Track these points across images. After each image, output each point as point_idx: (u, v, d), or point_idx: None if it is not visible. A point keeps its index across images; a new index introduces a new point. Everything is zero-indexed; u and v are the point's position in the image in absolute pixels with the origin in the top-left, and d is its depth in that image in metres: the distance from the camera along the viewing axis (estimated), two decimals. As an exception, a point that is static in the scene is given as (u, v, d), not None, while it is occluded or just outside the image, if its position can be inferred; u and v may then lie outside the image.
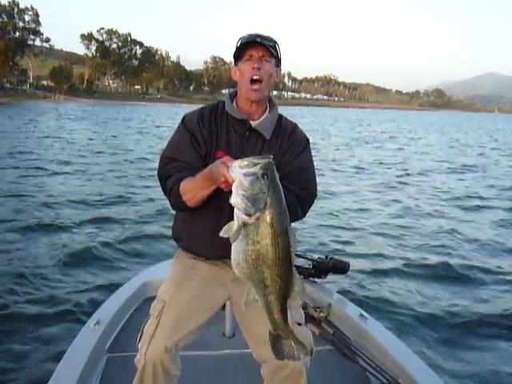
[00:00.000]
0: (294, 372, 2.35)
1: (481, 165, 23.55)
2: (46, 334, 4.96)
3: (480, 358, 4.88)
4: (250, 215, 1.81)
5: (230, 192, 1.86)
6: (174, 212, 2.61)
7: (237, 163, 1.85)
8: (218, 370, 3.26)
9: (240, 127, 2.44)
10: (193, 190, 2.21)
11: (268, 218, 1.81)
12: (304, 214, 2.48)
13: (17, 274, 6.53)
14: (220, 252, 2.37)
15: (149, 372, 2.27)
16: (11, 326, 5.07)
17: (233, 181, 1.85)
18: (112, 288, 5.07)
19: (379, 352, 3.26)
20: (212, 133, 2.43)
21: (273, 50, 2.36)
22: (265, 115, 2.48)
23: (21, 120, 41.96)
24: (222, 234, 1.87)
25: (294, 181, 2.37)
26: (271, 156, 1.87)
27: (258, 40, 2.32)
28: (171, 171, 2.37)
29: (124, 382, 2.52)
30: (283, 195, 1.87)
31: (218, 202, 2.27)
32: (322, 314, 3.69)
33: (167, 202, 2.44)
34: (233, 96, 2.52)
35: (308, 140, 2.58)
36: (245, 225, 1.83)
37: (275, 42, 2.40)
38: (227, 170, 1.89)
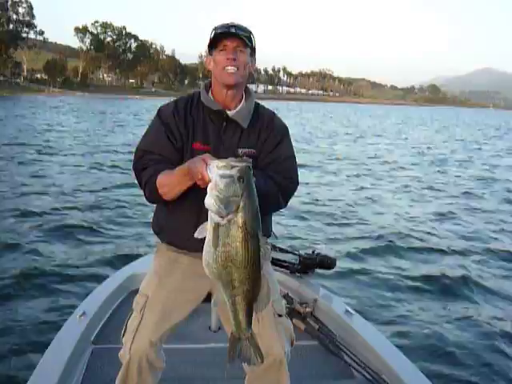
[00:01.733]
0: (275, 362, 2.33)
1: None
2: (31, 324, 4.97)
3: (464, 354, 4.91)
4: (222, 217, 1.83)
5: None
6: (154, 205, 2.58)
7: (215, 163, 1.86)
8: (204, 363, 3.27)
9: (216, 117, 2.42)
10: (170, 183, 2.20)
11: (239, 221, 1.83)
12: (286, 203, 2.48)
13: (3, 266, 6.58)
14: (201, 244, 2.32)
15: (134, 366, 2.27)
16: None
17: (209, 180, 1.86)
18: (98, 280, 5.12)
19: (364, 348, 3.27)
20: (188, 124, 2.41)
21: (247, 41, 2.33)
22: (241, 104, 2.46)
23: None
24: (196, 234, 1.91)
25: (276, 170, 2.38)
26: (250, 160, 1.89)
27: (233, 30, 2.29)
28: (147, 164, 2.35)
29: (109, 374, 2.52)
30: (257, 200, 1.88)
31: (199, 195, 2.19)
32: (307, 310, 3.69)
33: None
34: (208, 87, 2.50)
35: (287, 128, 2.56)
36: (217, 226, 1.85)
37: (250, 33, 2.37)
38: (205, 169, 1.89)
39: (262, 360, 2.11)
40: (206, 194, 1.87)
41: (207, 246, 1.90)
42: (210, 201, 1.83)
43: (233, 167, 1.81)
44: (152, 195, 2.33)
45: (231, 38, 2.30)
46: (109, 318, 3.63)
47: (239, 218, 1.83)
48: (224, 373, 3.03)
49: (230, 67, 2.31)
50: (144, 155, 2.37)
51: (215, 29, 2.34)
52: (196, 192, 2.18)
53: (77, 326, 3.21)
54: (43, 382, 2.65)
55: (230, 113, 2.42)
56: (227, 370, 2.95)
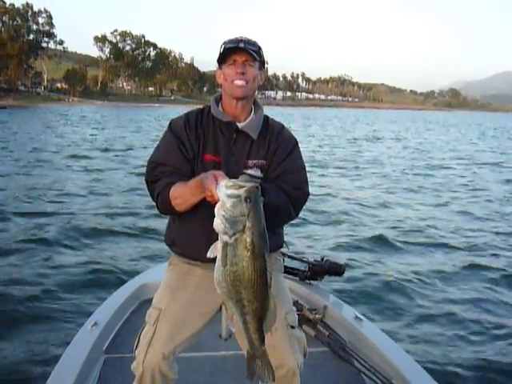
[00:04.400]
0: (288, 374, 2.34)
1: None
2: (44, 334, 4.96)
3: (476, 360, 4.82)
4: (229, 236, 1.86)
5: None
6: (167, 216, 2.62)
7: (223, 182, 1.89)
8: (214, 371, 3.28)
9: (227, 129, 2.47)
10: (184, 195, 2.24)
11: (246, 241, 1.86)
12: (297, 215, 2.51)
13: (14, 274, 6.59)
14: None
15: (147, 379, 2.29)
16: (9, 327, 5.10)
17: (218, 199, 1.90)
18: (110, 290, 5.11)
19: (374, 353, 3.27)
20: (199, 137, 2.46)
21: (256, 55, 2.38)
22: (251, 116, 2.51)
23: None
24: (208, 254, 1.94)
25: (287, 181, 2.42)
26: (259, 180, 1.99)
27: (242, 45, 2.35)
28: (159, 175, 2.39)
29: (121, 383, 2.54)
30: (264, 219, 1.91)
31: (211, 207, 2.25)
32: (317, 316, 3.72)
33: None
34: (218, 99, 2.55)
35: (296, 140, 2.59)
36: (226, 245, 1.88)
37: (259, 47, 2.43)
38: (215, 187, 1.93)
39: (274, 378, 2.13)
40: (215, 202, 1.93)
41: (217, 265, 1.94)
42: (217, 220, 1.86)
43: (240, 187, 1.85)
44: (165, 207, 2.36)
45: (240, 53, 2.35)
46: (121, 328, 3.65)
47: (245, 238, 1.86)
48: (235, 380, 3.07)
49: (239, 81, 2.36)
50: (156, 167, 2.41)
51: (224, 43, 2.39)
52: (208, 204, 2.20)
53: (89, 336, 3.22)
54: None
55: (239, 124, 2.46)
56: (238, 377, 2.96)
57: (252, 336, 2.03)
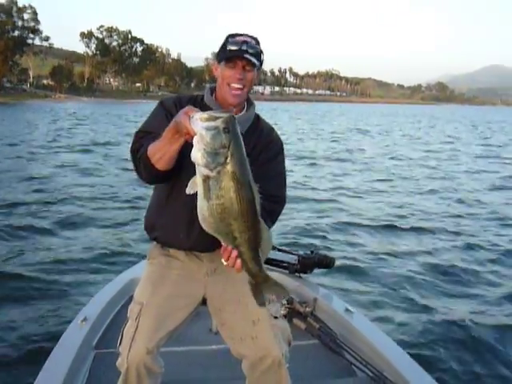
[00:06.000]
0: (274, 364, 2.35)
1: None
2: (32, 330, 4.95)
3: (467, 352, 4.87)
4: (211, 169, 1.82)
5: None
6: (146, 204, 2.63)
7: (198, 116, 1.84)
8: (205, 365, 3.29)
9: None
10: (161, 147, 2.14)
11: (230, 172, 1.82)
12: (273, 224, 2.45)
13: (3, 272, 6.56)
14: (195, 240, 2.39)
15: (132, 375, 2.29)
16: None
17: (194, 133, 1.85)
18: (99, 285, 5.24)
19: (365, 346, 3.30)
20: None
21: (257, 61, 2.36)
22: (242, 112, 2.49)
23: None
24: (188, 190, 1.91)
25: (265, 186, 2.23)
26: (233, 109, 1.95)
27: (245, 55, 2.31)
28: (144, 142, 2.31)
29: (111, 378, 2.53)
30: (244, 148, 1.89)
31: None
32: (307, 309, 3.73)
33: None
34: (213, 90, 2.53)
35: (282, 144, 2.60)
36: (206, 179, 1.84)
37: (261, 52, 2.41)
38: (189, 122, 1.88)
39: (288, 293, 2.18)
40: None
41: (200, 201, 1.90)
42: (197, 155, 1.82)
43: (217, 118, 1.80)
44: (146, 170, 2.25)
45: (242, 58, 2.33)
46: (110, 323, 3.65)
47: (229, 169, 1.82)
48: (226, 374, 3.06)
49: (236, 84, 2.35)
50: (143, 136, 2.35)
51: (228, 42, 2.35)
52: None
53: (79, 332, 3.23)
54: None
55: None
56: (229, 371, 2.94)
57: (250, 266, 2.01)
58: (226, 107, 2.39)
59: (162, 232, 2.50)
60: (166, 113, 2.40)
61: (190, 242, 2.42)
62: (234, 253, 1.99)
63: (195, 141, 1.83)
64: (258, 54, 2.39)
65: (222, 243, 1.99)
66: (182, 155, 2.15)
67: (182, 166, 2.24)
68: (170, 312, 2.41)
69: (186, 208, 2.32)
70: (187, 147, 2.00)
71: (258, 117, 2.58)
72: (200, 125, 1.81)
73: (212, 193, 1.84)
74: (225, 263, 2.05)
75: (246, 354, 2.39)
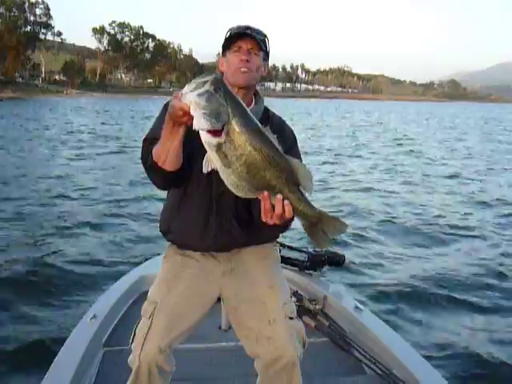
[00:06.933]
0: (288, 365, 2.31)
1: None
2: (42, 328, 4.95)
3: (479, 350, 4.77)
4: (218, 133, 1.78)
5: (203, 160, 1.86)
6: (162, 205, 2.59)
7: (185, 89, 1.82)
8: (215, 362, 3.29)
9: None
10: (163, 147, 2.09)
11: (237, 128, 1.79)
12: (293, 220, 2.17)
13: (9, 264, 6.63)
14: (211, 242, 2.38)
15: (144, 373, 2.28)
16: (6, 321, 5.09)
17: (189, 108, 1.81)
18: (108, 283, 5.19)
19: (374, 343, 3.29)
20: None
21: (262, 44, 2.36)
22: (251, 107, 2.41)
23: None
24: (204, 170, 1.88)
25: None
26: (217, 72, 1.88)
27: (248, 32, 2.32)
28: (152, 150, 2.22)
29: (121, 376, 2.52)
30: (240, 99, 1.87)
31: (206, 193, 2.31)
32: (317, 307, 3.73)
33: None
34: None
35: (295, 136, 2.55)
36: (219, 148, 1.80)
37: (265, 36, 2.40)
38: (180, 101, 1.84)
39: (346, 227, 2.06)
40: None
41: (223, 174, 1.85)
42: (200, 121, 1.77)
43: (204, 83, 1.78)
44: (157, 176, 2.22)
45: (246, 40, 2.32)
46: (120, 321, 3.64)
47: (236, 124, 1.79)
48: (235, 372, 3.06)
49: (243, 68, 2.31)
50: (151, 143, 2.25)
51: (230, 30, 2.36)
52: (203, 190, 2.28)
53: (88, 329, 3.22)
54: None
55: None
56: (239, 368, 2.97)
57: (299, 208, 1.92)
58: None
59: (177, 235, 2.48)
60: None
61: (206, 243, 2.41)
62: (279, 197, 1.88)
63: (192, 110, 1.78)
64: (263, 38, 2.37)
65: (263, 199, 1.90)
66: (190, 154, 2.14)
67: (192, 165, 2.20)
68: (184, 312, 2.40)
69: (199, 210, 2.34)
70: (192, 147, 2.02)
71: (267, 110, 2.52)
72: (191, 95, 1.78)
73: (230, 157, 1.80)
74: (270, 222, 1.94)
75: (261, 354, 2.36)
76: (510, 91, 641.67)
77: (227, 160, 1.80)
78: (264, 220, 1.95)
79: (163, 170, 2.15)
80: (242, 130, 1.79)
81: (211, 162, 1.85)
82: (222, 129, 1.78)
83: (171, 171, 2.15)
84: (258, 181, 1.85)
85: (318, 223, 1.99)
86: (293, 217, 2.03)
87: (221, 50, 2.41)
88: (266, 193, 1.88)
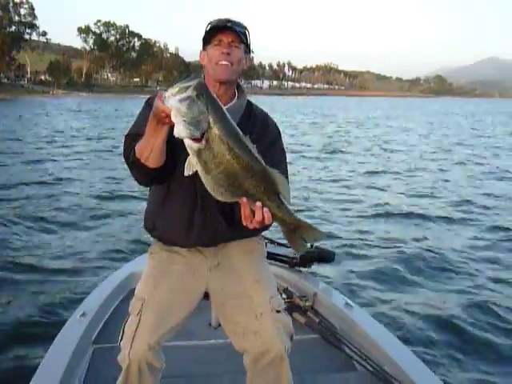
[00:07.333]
0: (276, 359, 2.30)
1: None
2: (31, 326, 4.91)
3: (467, 347, 4.81)
4: (198, 140, 1.79)
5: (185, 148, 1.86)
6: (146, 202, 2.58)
7: (168, 92, 1.81)
8: (205, 359, 3.28)
9: None
10: (147, 143, 2.08)
11: (217, 135, 1.80)
12: None
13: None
14: (196, 238, 2.38)
15: (134, 370, 2.27)
16: None
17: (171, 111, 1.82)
18: (97, 280, 5.17)
19: (365, 340, 3.29)
20: None
21: (243, 37, 2.34)
22: (233, 101, 2.42)
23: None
24: (186, 172, 1.88)
25: None
26: (201, 75, 1.94)
27: (228, 25, 2.29)
28: (134, 146, 2.20)
29: (110, 373, 2.50)
30: (223, 106, 1.87)
31: (190, 188, 2.28)
32: (307, 303, 3.72)
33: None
34: None
35: (279, 130, 2.55)
36: (199, 154, 1.81)
37: (245, 28, 2.38)
38: (163, 103, 1.84)
39: (325, 235, 2.12)
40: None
41: (203, 178, 1.87)
42: (179, 128, 1.78)
43: (187, 88, 1.77)
44: (139, 172, 2.21)
45: (226, 33, 2.29)
46: (109, 318, 3.61)
47: (216, 132, 1.80)
48: (226, 369, 3.03)
49: (223, 61, 2.29)
50: (133, 140, 2.23)
51: (210, 23, 2.33)
52: (187, 186, 2.24)
53: (77, 327, 3.20)
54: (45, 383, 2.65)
55: None
56: (229, 365, 2.93)
57: (278, 215, 1.96)
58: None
59: (162, 231, 2.47)
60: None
61: (191, 239, 2.40)
62: (258, 205, 1.92)
63: (173, 117, 1.78)
64: (244, 30, 2.35)
65: (243, 205, 1.93)
66: (174, 149, 2.11)
67: (176, 161, 2.18)
68: (172, 307, 2.38)
69: (184, 205, 2.32)
70: (176, 144, 1.98)
71: (250, 103, 2.51)
72: (173, 100, 1.77)
73: (210, 163, 1.82)
74: (250, 226, 1.98)
75: (249, 348, 2.34)
76: (495, 86, 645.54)
77: (207, 166, 1.82)
78: (244, 224, 1.98)
79: (146, 167, 2.14)
80: (222, 139, 1.79)
81: (192, 165, 1.85)
82: (203, 136, 1.78)
83: (154, 168, 2.15)
84: (237, 188, 1.87)
85: (296, 230, 2.03)
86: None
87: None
88: (245, 199, 1.91)
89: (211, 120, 1.79)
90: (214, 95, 1.86)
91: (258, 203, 1.91)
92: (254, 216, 1.94)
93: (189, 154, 1.87)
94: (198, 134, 1.77)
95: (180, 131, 1.78)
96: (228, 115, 1.86)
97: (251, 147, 1.88)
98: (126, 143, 2.29)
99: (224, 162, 1.82)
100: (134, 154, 2.15)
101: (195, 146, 1.80)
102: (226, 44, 2.29)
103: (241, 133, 1.87)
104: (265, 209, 1.93)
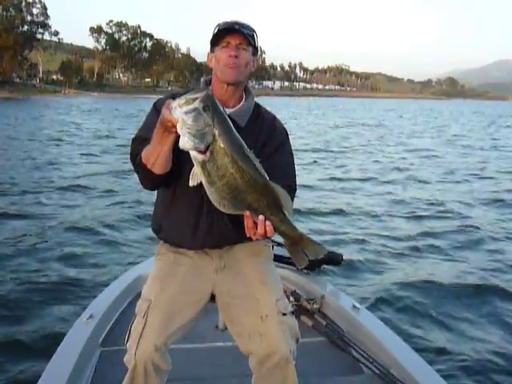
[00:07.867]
0: (281, 361, 2.30)
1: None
2: (38, 328, 4.92)
3: (477, 350, 4.76)
4: (203, 152, 1.81)
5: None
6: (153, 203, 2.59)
7: (176, 103, 1.82)
8: (212, 362, 3.28)
9: None
10: (153, 150, 2.09)
11: (222, 149, 1.82)
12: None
13: (7, 266, 6.60)
14: (202, 241, 2.39)
15: (140, 372, 2.27)
16: (2, 321, 5.07)
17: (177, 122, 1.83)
18: (105, 283, 5.15)
19: (372, 343, 3.28)
20: None
21: (250, 39, 2.33)
22: (241, 104, 2.42)
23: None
24: (190, 183, 1.92)
25: (278, 176, 2.22)
26: (209, 87, 1.97)
27: (236, 27, 2.29)
28: (141, 150, 2.22)
29: (117, 376, 2.50)
30: (229, 119, 1.90)
31: (196, 194, 2.25)
32: (315, 306, 3.72)
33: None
34: (208, 83, 2.47)
35: (287, 133, 2.54)
36: (203, 165, 1.83)
37: (253, 31, 2.37)
38: (170, 113, 1.85)
39: (325, 251, 2.15)
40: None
41: (207, 189, 1.90)
42: (184, 140, 1.80)
43: (194, 100, 1.79)
44: (145, 177, 2.22)
45: (234, 35, 2.29)
46: (116, 320, 3.62)
47: (220, 145, 1.82)
48: (232, 372, 3.04)
49: (231, 64, 2.28)
50: (140, 143, 2.26)
51: (219, 25, 2.32)
52: (194, 191, 2.19)
53: (84, 329, 3.21)
54: None
55: (228, 111, 2.27)
56: (236, 368, 2.94)
57: (281, 228, 1.99)
58: (221, 100, 2.28)
59: (169, 233, 2.48)
60: (159, 114, 2.28)
61: (198, 241, 2.40)
62: (261, 218, 1.96)
63: (179, 128, 1.80)
64: (252, 33, 2.34)
65: (246, 217, 1.97)
66: (180, 155, 2.10)
67: (182, 166, 2.18)
68: (178, 309, 2.38)
69: (190, 208, 2.34)
70: (183, 151, 1.97)
71: (258, 106, 2.50)
72: (179, 111, 1.79)
73: (213, 176, 1.84)
74: (253, 237, 2.02)
75: (254, 351, 2.34)
76: (506, 88, 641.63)
77: (211, 178, 1.84)
78: (248, 235, 2.01)
79: (152, 173, 2.16)
80: (226, 152, 1.81)
81: (197, 176, 1.88)
82: (207, 148, 1.80)
83: (160, 174, 2.16)
84: (240, 202, 1.91)
85: (298, 243, 2.06)
86: None
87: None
88: (247, 212, 1.95)
89: (216, 133, 1.80)
90: (221, 107, 1.87)
91: (261, 217, 1.95)
92: (256, 228, 1.98)
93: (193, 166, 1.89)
94: (203, 146, 1.79)
95: (185, 143, 1.80)
96: (233, 128, 1.88)
97: (255, 161, 1.89)
98: (133, 146, 2.31)
99: (227, 175, 1.84)
100: (141, 158, 2.16)
101: (200, 157, 1.81)
102: (233, 46, 2.29)
103: (245, 146, 1.89)
104: (267, 222, 1.96)
